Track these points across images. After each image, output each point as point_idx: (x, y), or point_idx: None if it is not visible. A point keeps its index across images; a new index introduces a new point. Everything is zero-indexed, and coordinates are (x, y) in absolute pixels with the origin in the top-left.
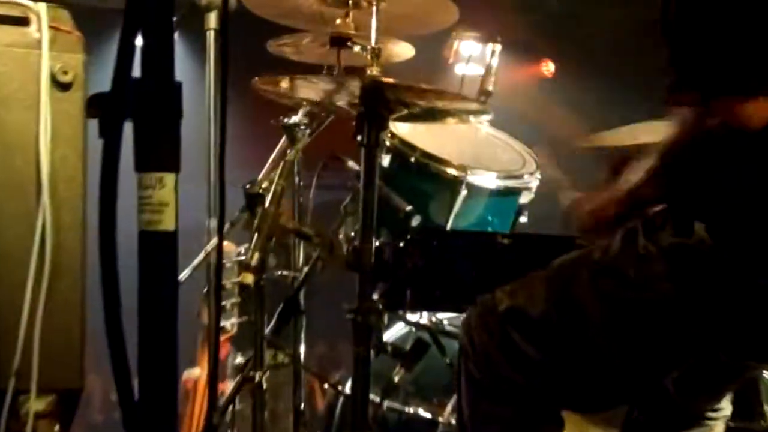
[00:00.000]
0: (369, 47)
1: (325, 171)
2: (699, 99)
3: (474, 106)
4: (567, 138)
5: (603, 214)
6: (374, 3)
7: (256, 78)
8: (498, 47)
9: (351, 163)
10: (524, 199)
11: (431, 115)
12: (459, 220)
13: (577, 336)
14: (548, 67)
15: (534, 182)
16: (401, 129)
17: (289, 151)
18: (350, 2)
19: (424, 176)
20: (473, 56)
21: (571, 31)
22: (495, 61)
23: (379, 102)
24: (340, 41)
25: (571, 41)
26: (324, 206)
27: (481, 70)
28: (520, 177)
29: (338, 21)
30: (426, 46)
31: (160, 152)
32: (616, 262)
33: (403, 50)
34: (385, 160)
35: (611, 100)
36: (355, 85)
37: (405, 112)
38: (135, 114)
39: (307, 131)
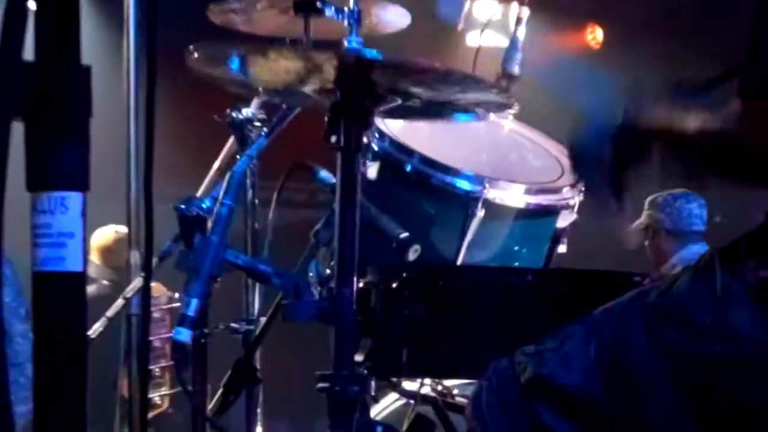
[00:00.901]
0: (347, 11)
1: (288, 184)
2: None
3: (491, 96)
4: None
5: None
6: None
7: (191, 47)
8: (526, 11)
9: (324, 174)
10: (563, 221)
11: (434, 109)
12: (474, 252)
13: (633, 411)
14: (595, 35)
15: (576, 198)
16: (394, 126)
17: (238, 156)
18: None
19: (426, 191)
20: (492, 21)
21: None
22: (521, 32)
23: (363, 87)
24: (307, 5)
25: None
26: (288, 232)
27: (504, 41)
28: (557, 191)
29: None
30: (427, 8)
31: (62, 165)
32: (682, 305)
33: (394, 17)
34: (372, 170)
35: (680, 72)
36: (329, 64)
37: (397, 102)
38: (26, 112)
39: (264, 129)
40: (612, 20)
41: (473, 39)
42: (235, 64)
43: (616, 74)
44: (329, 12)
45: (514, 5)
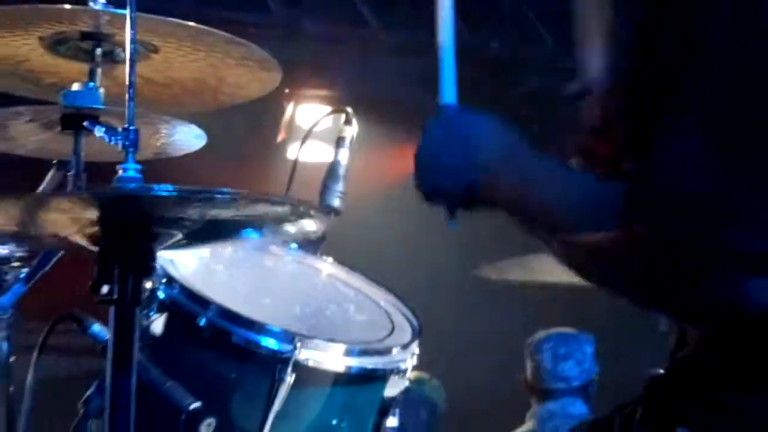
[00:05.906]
0: (121, 131)
1: (52, 339)
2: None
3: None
4: None
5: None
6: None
7: None
8: (350, 130)
9: (97, 328)
10: (393, 389)
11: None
12: (282, 426)
13: None
14: None
15: (409, 361)
16: (185, 269)
17: None
18: (97, 54)
19: (223, 351)
20: (319, 130)
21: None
22: (344, 156)
23: (137, 226)
24: (76, 121)
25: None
26: (56, 394)
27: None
28: (385, 352)
29: (76, 86)
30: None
31: None
32: None
33: (185, 137)
34: (157, 324)
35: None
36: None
37: (179, 237)
38: None
39: (24, 271)
40: None
41: (293, 151)
42: None
43: None
44: (99, 132)
45: (343, 116)
